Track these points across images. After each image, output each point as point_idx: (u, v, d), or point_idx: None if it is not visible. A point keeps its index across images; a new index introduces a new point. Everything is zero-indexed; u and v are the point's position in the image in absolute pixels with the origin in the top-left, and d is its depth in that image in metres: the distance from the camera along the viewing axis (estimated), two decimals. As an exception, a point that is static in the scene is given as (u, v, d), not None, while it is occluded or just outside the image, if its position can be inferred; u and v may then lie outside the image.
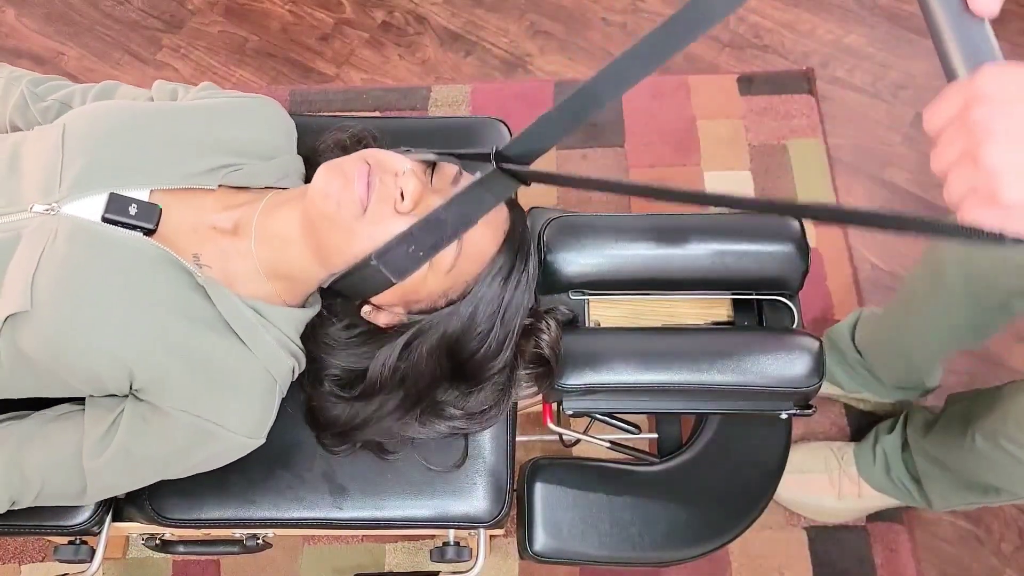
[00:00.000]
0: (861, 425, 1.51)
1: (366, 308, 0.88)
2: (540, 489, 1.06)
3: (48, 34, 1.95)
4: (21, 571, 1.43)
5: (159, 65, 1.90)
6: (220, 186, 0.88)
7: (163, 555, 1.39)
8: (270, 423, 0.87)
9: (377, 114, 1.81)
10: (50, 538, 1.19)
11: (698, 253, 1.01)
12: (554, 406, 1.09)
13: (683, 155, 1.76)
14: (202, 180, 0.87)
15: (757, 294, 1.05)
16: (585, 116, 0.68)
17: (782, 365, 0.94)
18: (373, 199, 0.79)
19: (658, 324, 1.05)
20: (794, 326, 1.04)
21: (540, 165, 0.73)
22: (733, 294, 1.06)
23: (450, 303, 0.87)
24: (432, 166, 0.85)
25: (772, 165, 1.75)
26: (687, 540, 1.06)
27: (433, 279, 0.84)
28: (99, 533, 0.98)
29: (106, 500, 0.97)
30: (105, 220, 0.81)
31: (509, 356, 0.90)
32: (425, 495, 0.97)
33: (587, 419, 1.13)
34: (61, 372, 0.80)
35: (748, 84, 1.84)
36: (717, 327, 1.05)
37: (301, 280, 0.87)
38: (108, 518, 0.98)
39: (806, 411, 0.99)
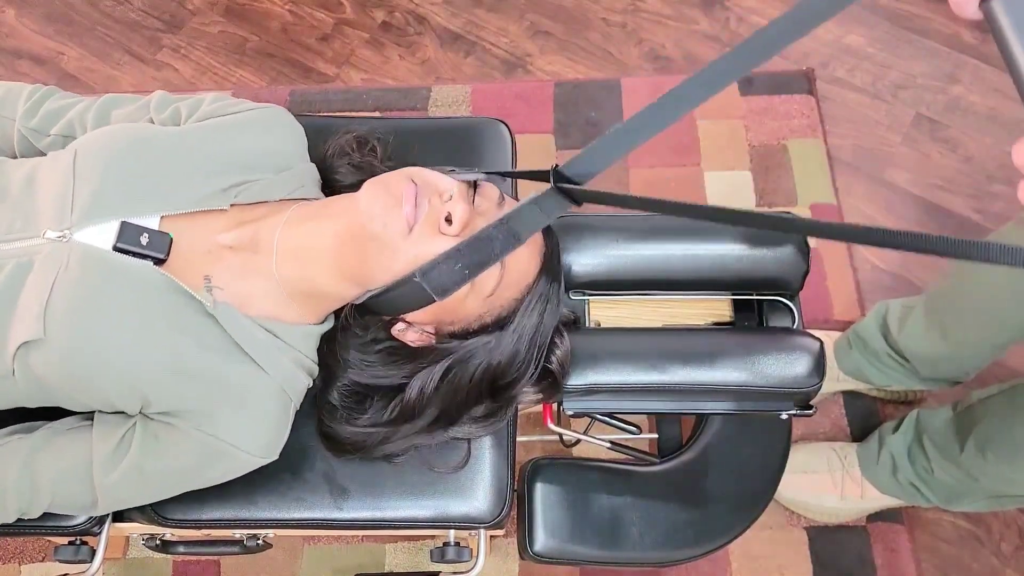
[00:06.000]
0: (862, 425, 1.51)
1: (399, 326, 0.86)
2: (540, 489, 1.06)
3: (48, 34, 1.95)
4: (21, 571, 1.43)
5: (159, 65, 1.90)
6: (232, 205, 0.87)
7: (163, 555, 1.39)
8: (283, 440, 0.87)
9: (377, 114, 1.81)
10: (50, 538, 1.19)
11: (698, 253, 1.01)
12: (554, 406, 1.09)
13: (683, 155, 1.77)
14: (213, 202, 0.86)
15: (757, 294, 1.05)
16: (642, 139, 0.68)
17: (782, 365, 0.94)
18: (420, 220, 0.79)
19: (658, 324, 1.05)
20: (794, 326, 1.04)
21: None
22: (733, 294, 1.06)
23: (483, 327, 0.86)
24: (474, 186, 0.84)
25: (772, 165, 1.75)
26: (687, 540, 1.06)
27: (473, 302, 0.83)
28: (99, 534, 0.98)
29: (106, 500, 0.97)
30: (117, 249, 0.81)
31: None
32: (425, 495, 0.97)
33: (587, 419, 1.13)
34: (74, 394, 0.81)
35: (748, 84, 1.84)
36: (717, 327, 1.05)
37: (326, 296, 0.86)
38: (108, 519, 0.98)
39: (806, 411, 0.99)
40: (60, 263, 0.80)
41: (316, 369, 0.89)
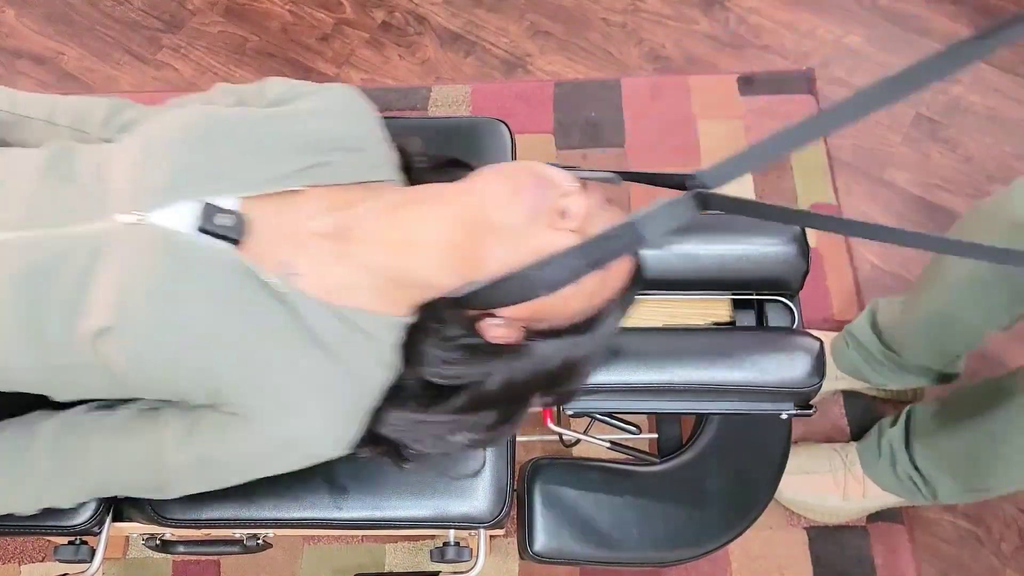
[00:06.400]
0: (861, 425, 1.51)
1: (490, 320, 0.83)
2: (540, 489, 1.06)
3: (48, 34, 1.95)
4: (21, 571, 1.43)
5: (159, 65, 1.90)
6: (310, 187, 0.85)
7: (163, 555, 1.39)
8: (353, 435, 0.84)
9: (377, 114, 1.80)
10: (50, 538, 1.19)
11: (698, 253, 1.01)
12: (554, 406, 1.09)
13: (683, 155, 1.76)
14: (288, 182, 0.84)
15: (757, 294, 1.05)
16: (784, 153, 0.71)
17: (782, 365, 0.93)
18: (540, 211, 0.77)
19: (658, 324, 1.05)
20: (794, 326, 1.04)
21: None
22: (733, 294, 1.06)
23: (572, 327, 0.83)
24: (583, 184, 0.83)
25: (772, 165, 1.75)
26: (687, 540, 1.06)
27: (573, 299, 0.80)
28: (99, 533, 0.98)
29: (106, 500, 0.97)
30: (194, 231, 0.80)
31: None
32: (425, 495, 0.97)
33: (587, 419, 1.13)
34: (146, 383, 0.80)
35: (748, 84, 1.84)
36: (717, 327, 1.05)
37: (422, 287, 0.83)
38: (108, 518, 0.98)
39: (806, 411, 0.99)
40: (134, 246, 0.78)
41: (394, 363, 0.85)
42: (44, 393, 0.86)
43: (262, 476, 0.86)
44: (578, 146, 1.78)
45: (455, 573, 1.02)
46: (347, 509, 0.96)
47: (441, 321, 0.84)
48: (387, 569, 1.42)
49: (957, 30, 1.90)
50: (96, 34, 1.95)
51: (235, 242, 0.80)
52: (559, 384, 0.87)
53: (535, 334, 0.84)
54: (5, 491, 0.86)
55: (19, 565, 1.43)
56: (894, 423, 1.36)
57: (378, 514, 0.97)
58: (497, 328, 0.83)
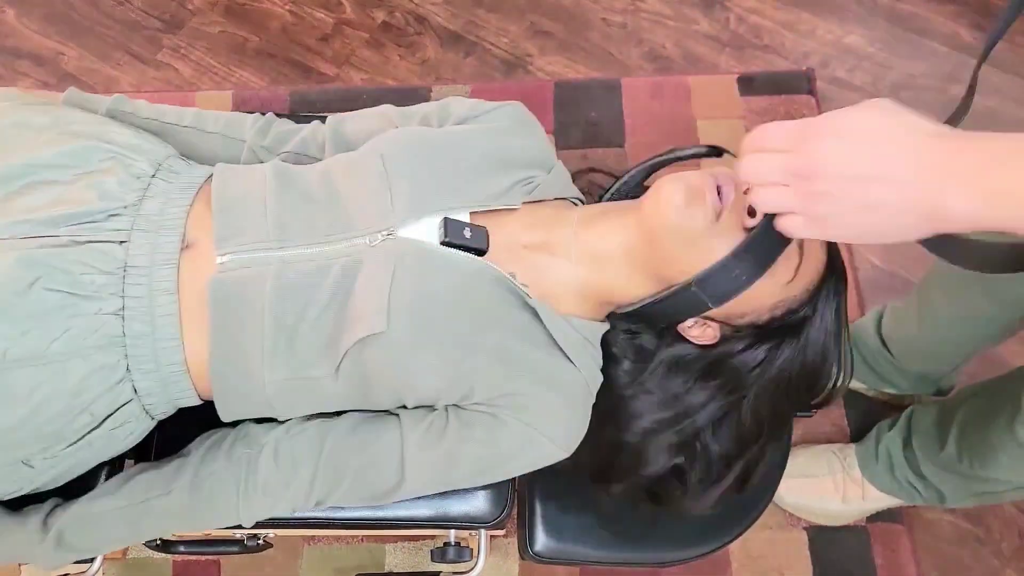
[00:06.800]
0: (861, 426, 1.51)
1: (688, 322, 0.84)
2: (540, 489, 1.06)
3: (48, 34, 1.95)
4: (21, 571, 1.43)
5: (159, 65, 1.91)
6: (524, 203, 0.89)
7: (163, 555, 1.39)
8: (582, 436, 0.86)
9: (377, 114, 1.80)
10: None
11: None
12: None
13: (683, 155, 1.76)
14: (508, 199, 0.88)
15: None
16: None
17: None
18: (726, 208, 0.77)
19: (658, 324, 1.05)
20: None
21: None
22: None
23: (772, 320, 0.83)
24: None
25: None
26: (687, 540, 1.06)
27: (769, 290, 0.80)
28: (100, 533, 0.97)
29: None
30: (444, 244, 0.82)
31: None
32: (426, 495, 0.96)
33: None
34: (399, 388, 0.81)
35: (748, 84, 1.84)
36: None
37: (616, 298, 0.86)
38: (109, 518, 0.98)
39: (806, 411, 0.99)
40: (393, 258, 0.80)
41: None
42: (268, 414, 0.86)
43: (497, 479, 0.86)
44: (578, 146, 1.78)
45: (455, 573, 1.02)
46: (348, 509, 0.96)
47: (637, 325, 0.87)
48: (387, 569, 1.42)
49: (957, 30, 1.90)
50: (96, 34, 1.95)
51: (480, 253, 0.83)
52: (812, 389, 0.87)
53: (736, 331, 0.84)
54: (229, 501, 0.85)
55: (19, 565, 1.43)
56: (892, 426, 1.35)
57: (379, 514, 0.97)
58: (692, 329, 0.84)
